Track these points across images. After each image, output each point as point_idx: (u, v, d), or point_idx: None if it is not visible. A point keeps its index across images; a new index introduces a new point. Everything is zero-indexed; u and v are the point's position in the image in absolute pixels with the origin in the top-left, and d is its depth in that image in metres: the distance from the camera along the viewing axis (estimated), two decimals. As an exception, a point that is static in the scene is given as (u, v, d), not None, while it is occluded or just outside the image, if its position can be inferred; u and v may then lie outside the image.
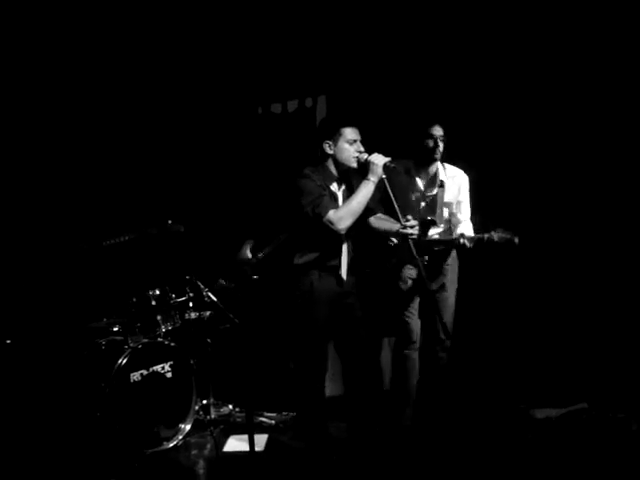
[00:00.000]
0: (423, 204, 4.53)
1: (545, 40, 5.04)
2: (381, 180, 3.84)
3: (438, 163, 4.52)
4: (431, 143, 4.41)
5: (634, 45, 4.81)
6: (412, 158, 4.50)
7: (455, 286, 4.61)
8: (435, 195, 4.53)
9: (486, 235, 4.21)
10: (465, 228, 4.54)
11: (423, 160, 4.50)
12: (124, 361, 4.38)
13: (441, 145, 4.43)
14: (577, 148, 5.03)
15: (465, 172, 4.64)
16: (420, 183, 4.53)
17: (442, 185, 4.52)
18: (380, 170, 3.82)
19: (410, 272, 4.47)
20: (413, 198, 4.50)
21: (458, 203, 4.59)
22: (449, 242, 4.38)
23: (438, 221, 4.50)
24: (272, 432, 4.75)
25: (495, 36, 5.16)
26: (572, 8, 4.94)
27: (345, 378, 4.11)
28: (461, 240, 4.24)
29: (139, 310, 4.75)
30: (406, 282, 4.49)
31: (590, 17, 4.91)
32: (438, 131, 4.43)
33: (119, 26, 5.77)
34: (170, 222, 4.85)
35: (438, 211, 4.52)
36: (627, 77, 4.87)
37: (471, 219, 4.61)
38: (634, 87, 4.85)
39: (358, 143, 3.92)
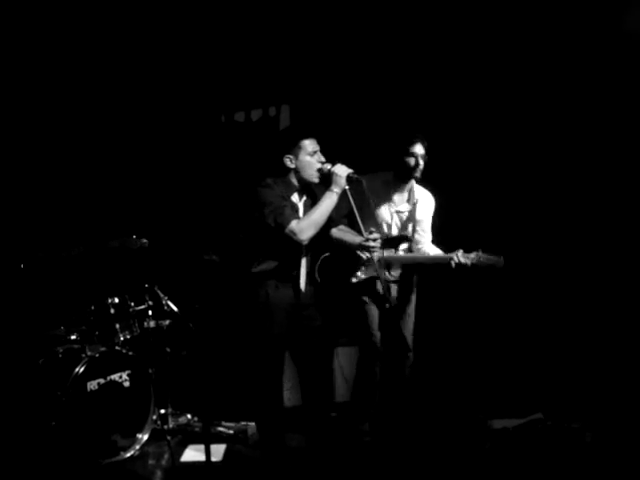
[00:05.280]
0: (397, 219, 4.53)
1: (515, 60, 5.15)
2: (344, 191, 3.83)
3: (413, 181, 4.48)
4: (412, 162, 4.36)
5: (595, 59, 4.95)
6: (392, 170, 4.47)
7: (415, 300, 4.62)
8: (409, 212, 4.52)
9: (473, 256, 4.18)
10: (430, 248, 4.55)
11: (403, 176, 4.46)
12: (81, 370, 4.32)
13: (422, 163, 4.37)
14: (546, 164, 5.16)
15: (433, 193, 4.62)
16: (396, 198, 4.51)
17: (416, 203, 4.51)
18: (343, 181, 3.81)
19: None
20: (388, 212, 4.49)
21: (422, 223, 4.58)
22: (444, 260, 4.29)
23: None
24: (230, 442, 4.72)
25: (465, 46, 5.25)
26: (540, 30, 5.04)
27: (302, 389, 4.10)
28: (456, 259, 4.19)
29: (97, 318, 4.70)
30: (357, 277, 4.43)
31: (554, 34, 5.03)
32: (420, 149, 4.36)
33: (81, 32, 5.69)
34: (134, 237, 4.80)
35: (410, 228, 4.52)
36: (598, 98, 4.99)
37: (432, 242, 4.62)
38: (604, 107, 4.97)
39: (318, 153, 3.90)
